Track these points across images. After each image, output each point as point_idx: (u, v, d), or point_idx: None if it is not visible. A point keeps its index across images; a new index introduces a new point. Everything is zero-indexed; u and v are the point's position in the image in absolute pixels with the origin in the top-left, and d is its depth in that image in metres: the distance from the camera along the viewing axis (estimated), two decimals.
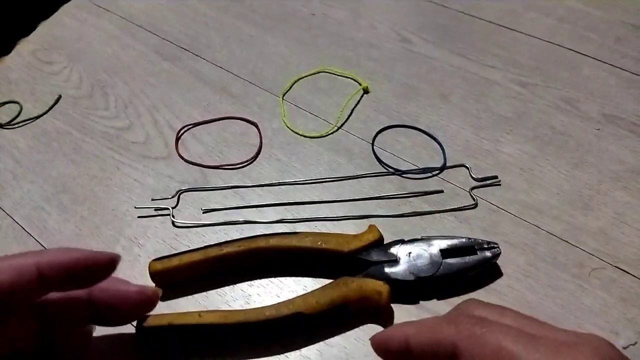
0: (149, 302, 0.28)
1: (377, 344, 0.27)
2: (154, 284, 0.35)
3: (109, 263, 0.25)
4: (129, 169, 0.43)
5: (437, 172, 0.41)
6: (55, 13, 0.58)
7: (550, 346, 0.21)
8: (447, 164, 0.41)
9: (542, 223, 0.38)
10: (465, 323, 0.24)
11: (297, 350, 0.32)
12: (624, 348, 0.31)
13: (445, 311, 0.33)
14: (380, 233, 0.35)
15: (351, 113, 0.46)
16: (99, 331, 0.33)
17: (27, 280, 0.23)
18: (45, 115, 0.47)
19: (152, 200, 0.40)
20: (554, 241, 0.37)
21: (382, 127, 0.44)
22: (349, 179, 0.41)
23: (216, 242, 0.35)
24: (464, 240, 0.34)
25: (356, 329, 0.33)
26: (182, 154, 0.43)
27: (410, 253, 0.34)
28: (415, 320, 0.27)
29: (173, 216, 0.39)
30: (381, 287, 0.32)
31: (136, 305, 0.28)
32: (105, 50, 0.53)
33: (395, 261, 0.34)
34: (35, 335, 0.26)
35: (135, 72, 0.51)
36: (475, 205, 0.39)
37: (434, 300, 0.34)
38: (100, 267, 0.25)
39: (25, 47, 0.54)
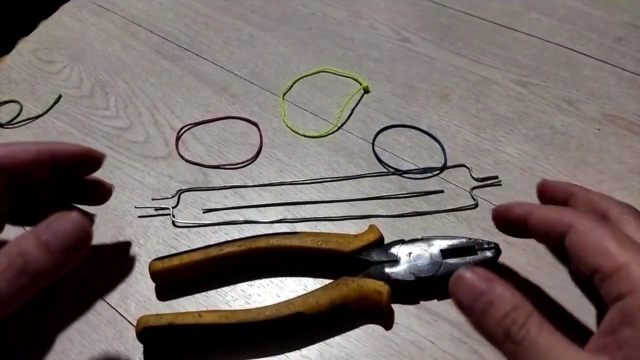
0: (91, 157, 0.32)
1: (499, 212, 0.31)
2: (154, 284, 0.35)
3: (101, 158, 0.32)
4: (129, 168, 0.43)
5: (437, 172, 0.41)
6: (56, 12, 0.58)
7: None
8: (448, 164, 0.41)
9: None
10: (586, 213, 0.26)
11: (297, 350, 0.32)
12: None
13: (446, 311, 0.33)
14: (381, 233, 0.35)
15: (351, 113, 0.46)
16: (100, 331, 0.33)
17: (42, 162, 0.27)
18: (45, 115, 0.47)
19: (153, 200, 0.40)
20: None
21: (382, 127, 0.44)
22: (349, 179, 0.41)
23: (216, 242, 0.35)
24: (464, 240, 0.34)
25: (356, 329, 0.33)
26: (182, 154, 0.43)
27: (410, 253, 0.34)
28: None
29: (173, 216, 0.39)
30: (381, 287, 0.32)
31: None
32: (106, 50, 0.53)
33: (395, 261, 0.34)
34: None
35: (136, 71, 0.51)
36: (476, 206, 0.39)
37: (435, 301, 0.34)
38: (95, 160, 0.31)
39: (25, 46, 0.54)
